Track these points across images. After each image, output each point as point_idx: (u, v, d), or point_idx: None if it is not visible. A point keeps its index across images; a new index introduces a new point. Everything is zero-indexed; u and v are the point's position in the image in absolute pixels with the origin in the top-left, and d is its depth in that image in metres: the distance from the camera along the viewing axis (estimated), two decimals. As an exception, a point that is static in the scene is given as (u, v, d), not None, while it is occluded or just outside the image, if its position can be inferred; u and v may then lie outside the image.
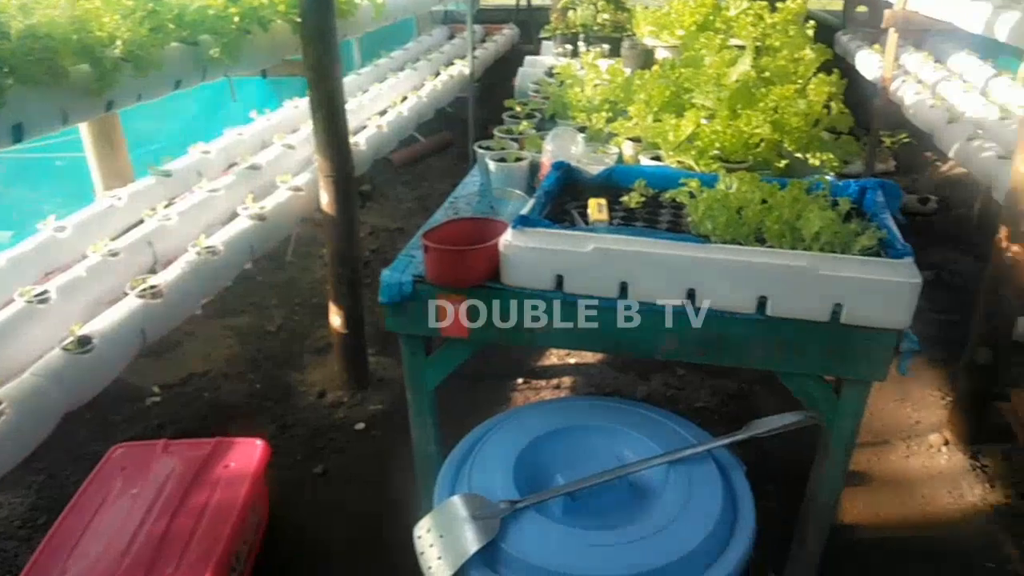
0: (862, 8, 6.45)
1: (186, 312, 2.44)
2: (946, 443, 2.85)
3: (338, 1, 3.01)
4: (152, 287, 2.44)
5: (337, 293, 3.04)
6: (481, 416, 2.86)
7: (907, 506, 2.59)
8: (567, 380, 3.30)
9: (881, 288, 1.45)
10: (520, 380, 3.29)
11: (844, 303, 1.49)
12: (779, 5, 3.26)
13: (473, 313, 1.72)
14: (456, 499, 1.46)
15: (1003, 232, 2.43)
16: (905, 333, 1.52)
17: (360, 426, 3.05)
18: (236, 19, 2.37)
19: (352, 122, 4.17)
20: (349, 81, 4.76)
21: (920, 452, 2.85)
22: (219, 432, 2.97)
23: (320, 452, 2.91)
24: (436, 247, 1.64)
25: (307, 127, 3.87)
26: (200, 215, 2.83)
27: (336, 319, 3.10)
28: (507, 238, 1.64)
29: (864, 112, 5.19)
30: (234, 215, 3.00)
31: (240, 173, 3.26)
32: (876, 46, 5.31)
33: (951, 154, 3.67)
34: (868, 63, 5.18)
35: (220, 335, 3.71)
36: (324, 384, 3.32)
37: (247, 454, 2.38)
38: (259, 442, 2.42)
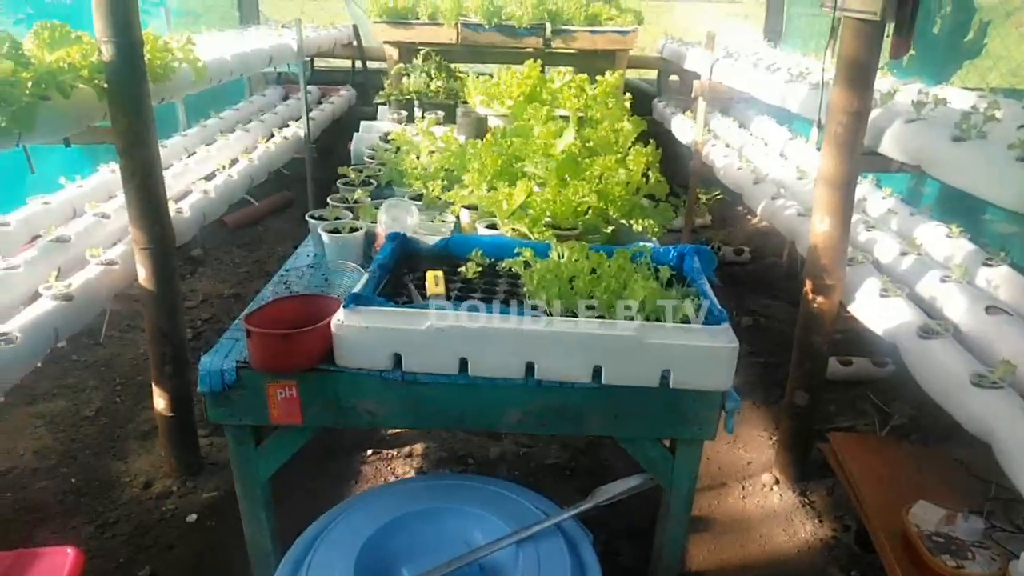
0: (674, 77, 7.04)
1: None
2: (777, 482, 3.04)
3: (152, 64, 2.84)
4: (-71, 385, 2.11)
5: (160, 373, 2.80)
6: (327, 499, 2.70)
7: (747, 548, 2.72)
8: (419, 447, 3.21)
9: (703, 354, 1.53)
10: (369, 452, 3.16)
11: (671, 369, 1.55)
12: (598, 78, 3.49)
13: (306, 398, 1.63)
14: (291, 607, 1.35)
15: (808, 285, 2.67)
16: (728, 392, 1.61)
17: (192, 518, 2.78)
18: (29, 85, 2.15)
19: (176, 187, 3.93)
20: (174, 143, 4.50)
21: (755, 492, 3.03)
22: (25, 539, 2.61)
23: (147, 551, 2.62)
24: (260, 331, 1.54)
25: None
26: (-5, 296, 2.52)
27: (160, 401, 2.84)
28: (339, 318, 1.58)
29: (682, 171, 5.63)
30: (38, 295, 2.69)
31: (44, 247, 2.94)
32: (688, 112, 5.79)
33: (758, 211, 4.03)
34: (682, 128, 5.63)
35: (27, 424, 3.29)
36: (150, 473, 3.02)
37: (55, 566, 2.07)
38: (70, 551, 2.11)
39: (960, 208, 3.75)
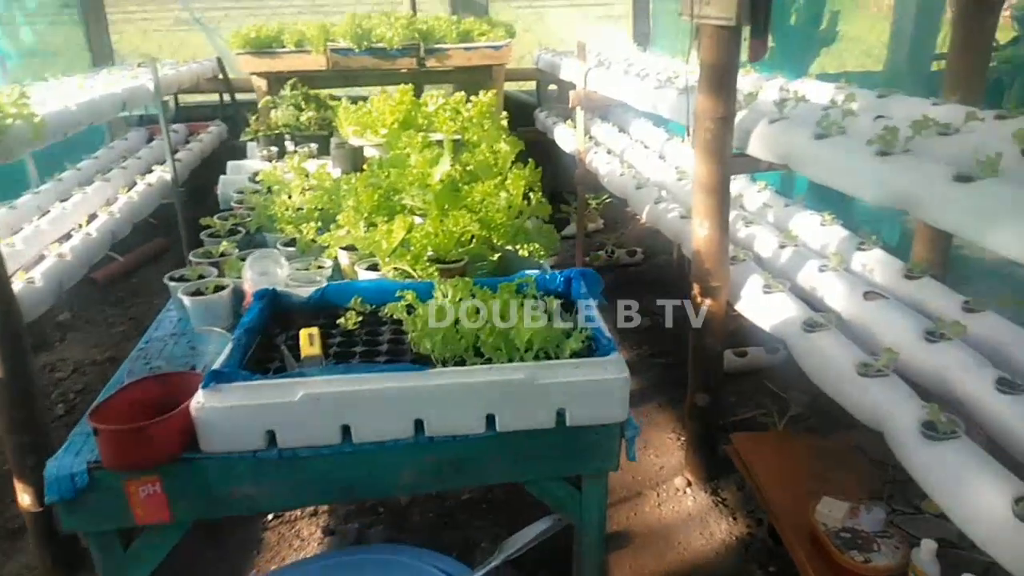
0: (553, 87, 7.10)
1: None
2: (689, 484, 3.06)
3: (-23, 125, 2.56)
4: None
5: (22, 467, 2.51)
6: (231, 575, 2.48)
7: (667, 558, 2.71)
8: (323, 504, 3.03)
9: (595, 388, 1.48)
10: (271, 516, 2.96)
11: (566, 407, 1.49)
12: (473, 99, 3.42)
13: (172, 492, 1.46)
14: None
15: (696, 288, 2.69)
16: (627, 421, 1.56)
17: (75, 622, 2.52)
18: None
19: (28, 253, 3.57)
20: (24, 202, 4.10)
21: (669, 497, 3.03)
22: None
23: (23, 671, 2.34)
24: (107, 428, 1.37)
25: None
26: None
27: (26, 497, 2.55)
28: (199, 400, 1.43)
29: (570, 179, 5.66)
30: None
31: None
32: (569, 121, 5.83)
33: (643, 217, 4.07)
34: (564, 137, 5.66)
35: None
36: (23, 576, 2.72)
37: None
38: None
39: (831, 194, 3.91)
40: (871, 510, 1.94)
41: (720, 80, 2.42)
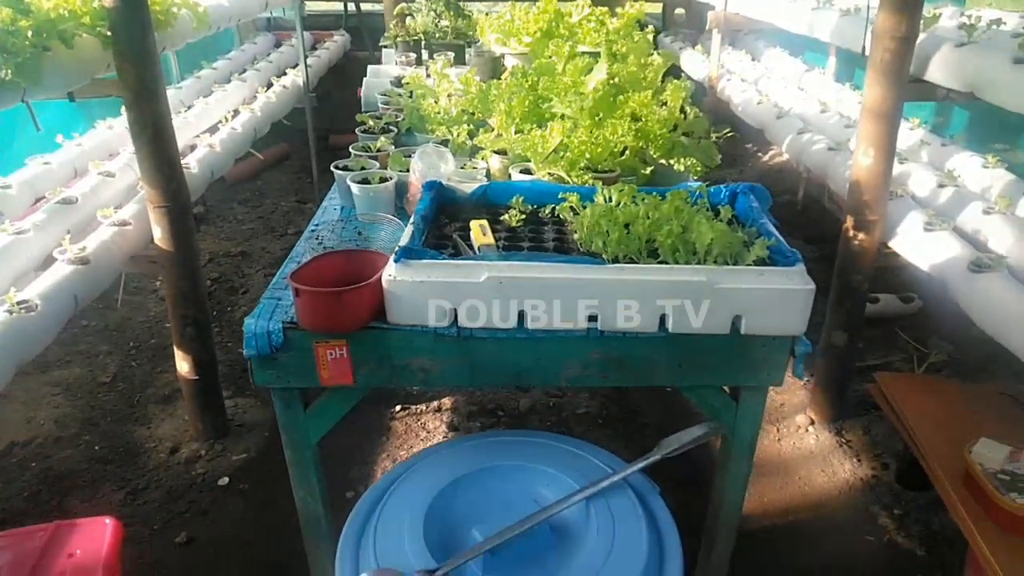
0: (680, 11, 6.81)
1: (-1, 384, 2.03)
2: (812, 423, 3.01)
3: (154, 10, 2.67)
4: (-50, 358, 2.01)
5: (183, 337, 2.72)
6: (362, 457, 2.66)
7: (787, 490, 2.70)
8: (447, 401, 3.16)
9: (778, 297, 1.45)
10: (398, 407, 3.11)
11: (743, 315, 1.47)
12: (618, 11, 3.32)
13: (357, 358, 1.55)
14: (364, 576, 1.30)
15: (849, 222, 2.58)
16: (799, 337, 1.54)
17: (224, 481, 2.74)
18: (29, 34, 2.00)
19: (179, 142, 3.77)
20: (169, 95, 4.30)
21: (790, 434, 3.00)
22: (55, 509, 2.57)
23: (181, 517, 2.58)
24: (310, 290, 1.45)
25: (126, 151, 3.44)
26: (7, 263, 2.40)
27: (184, 365, 2.77)
28: (391, 273, 1.49)
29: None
30: (50, 260, 2.58)
31: (51, 209, 2.82)
32: (699, 47, 5.60)
33: (783, 148, 3.90)
34: (692, 63, 5.45)
35: (44, 393, 3.22)
36: (176, 437, 2.97)
37: (95, 537, 2.01)
38: (108, 520, 2.06)
39: (991, 136, 3.63)
40: (1036, 456, 1.86)
41: (908, -4, 2.25)
